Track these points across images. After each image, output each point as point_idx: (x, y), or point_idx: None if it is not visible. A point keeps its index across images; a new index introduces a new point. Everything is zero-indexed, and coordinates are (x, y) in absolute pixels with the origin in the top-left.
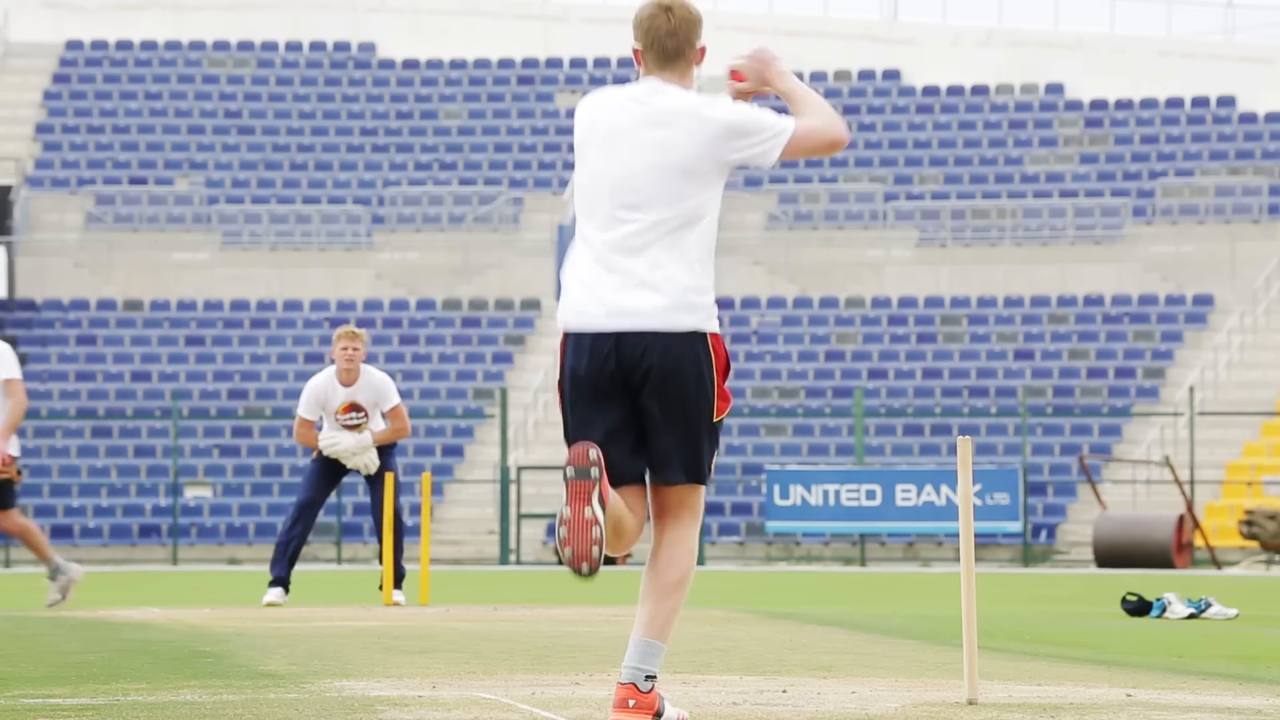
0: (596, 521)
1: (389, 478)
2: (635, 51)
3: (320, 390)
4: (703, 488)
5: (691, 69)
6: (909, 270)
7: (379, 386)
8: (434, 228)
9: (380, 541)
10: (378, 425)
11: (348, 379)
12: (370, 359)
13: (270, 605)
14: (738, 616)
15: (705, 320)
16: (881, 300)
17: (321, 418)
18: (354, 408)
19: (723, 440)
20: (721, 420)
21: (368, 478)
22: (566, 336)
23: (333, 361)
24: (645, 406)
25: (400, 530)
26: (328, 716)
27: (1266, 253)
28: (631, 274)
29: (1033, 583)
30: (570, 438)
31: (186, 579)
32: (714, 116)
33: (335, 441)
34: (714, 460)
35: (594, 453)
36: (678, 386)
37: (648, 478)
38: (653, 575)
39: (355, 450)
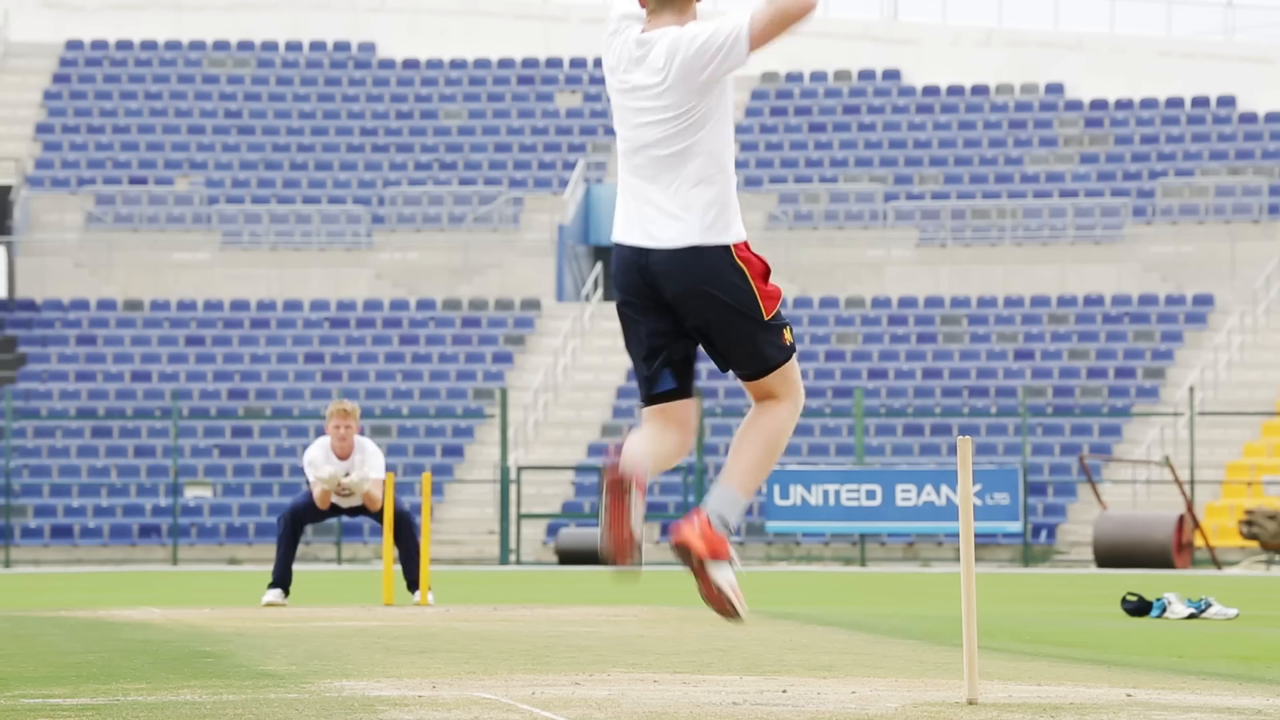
0: (632, 536)
1: (389, 477)
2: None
3: (319, 461)
4: (784, 367)
5: (691, 6)
6: (909, 270)
7: (370, 459)
8: (434, 228)
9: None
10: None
11: (342, 452)
12: (370, 359)
13: (269, 605)
14: None
15: (722, 233)
16: (881, 300)
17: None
18: (346, 488)
19: (723, 440)
20: (777, 314)
21: (395, 530)
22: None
23: (324, 433)
24: (688, 323)
25: (414, 530)
26: (328, 716)
27: (1266, 253)
28: (650, 199)
29: (1033, 583)
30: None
31: (186, 579)
32: (676, 56)
33: (322, 477)
34: (787, 337)
35: (630, 473)
36: (702, 300)
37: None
38: (745, 425)
39: (344, 489)
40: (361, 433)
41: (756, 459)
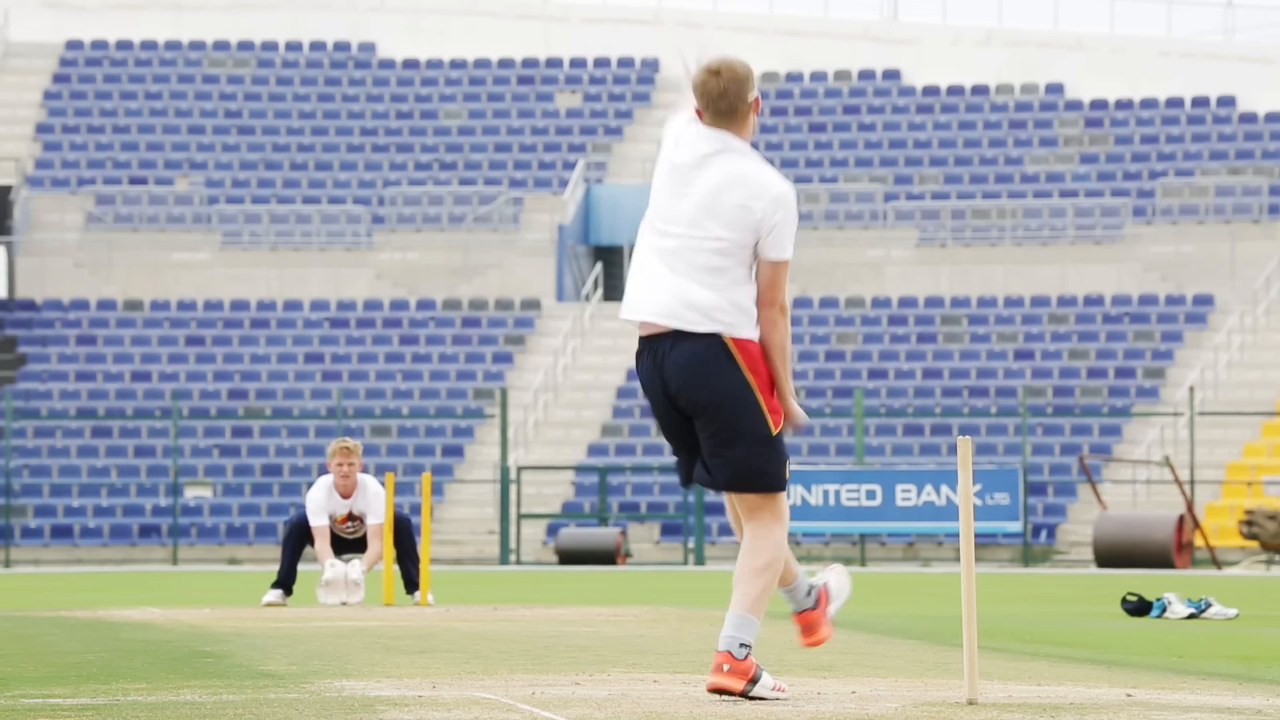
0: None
1: (389, 477)
2: (697, 111)
3: (322, 501)
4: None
5: (748, 119)
6: (909, 270)
7: (371, 501)
8: (434, 228)
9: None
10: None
11: (345, 491)
12: (370, 359)
13: (269, 605)
14: None
15: (727, 327)
16: (881, 300)
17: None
18: (351, 518)
19: None
20: (775, 434)
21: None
22: None
23: (327, 472)
24: None
25: (413, 533)
26: (328, 716)
27: (1266, 253)
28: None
29: (1033, 583)
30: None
31: (186, 579)
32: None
33: (326, 580)
34: (782, 470)
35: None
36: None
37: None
38: (740, 561)
39: (347, 586)
40: (365, 470)
41: (765, 587)
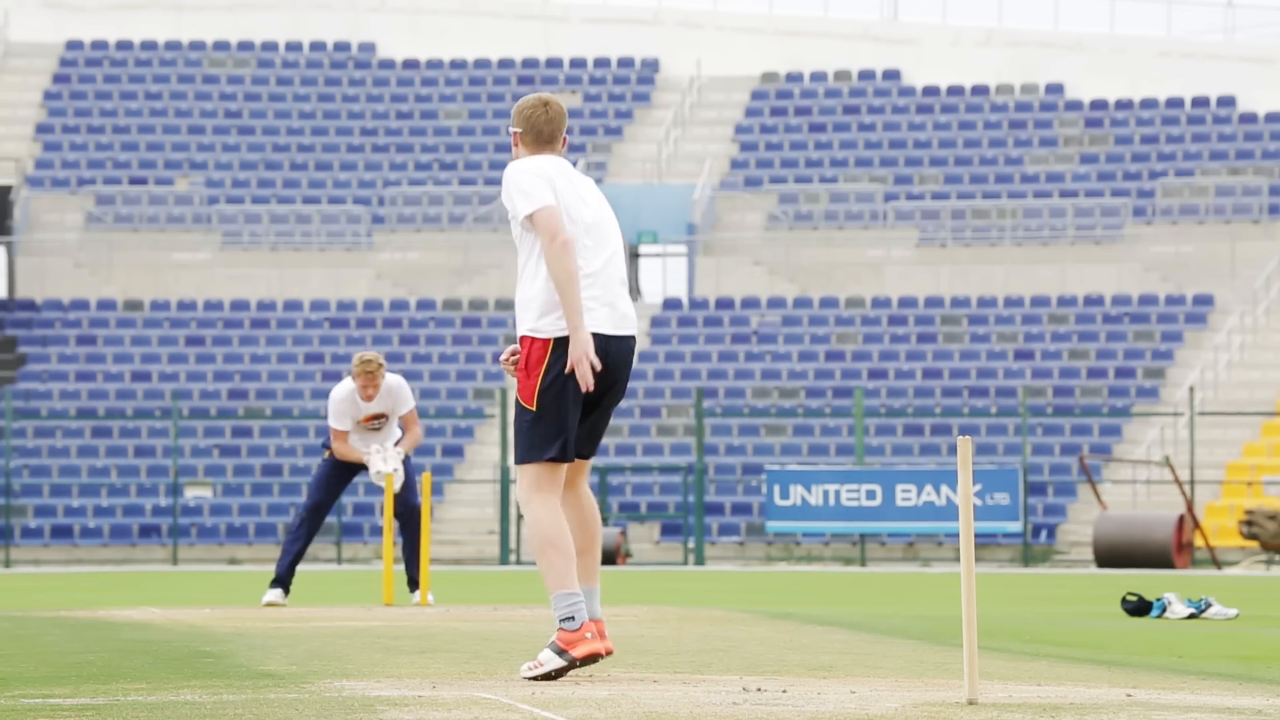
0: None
1: (389, 478)
2: (514, 134)
3: (344, 403)
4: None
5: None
6: (909, 270)
7: (396, 393)
8: (434, 228)
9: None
10: (395, 432)
11: (369, 399)
12: None
13: (269, 605)
14: (738, 616)
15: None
16: (881, 300)
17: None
18: (376, 416)
19: (723, 440)
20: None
21: (401, 522)
22: None
23: (350, 374)
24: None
25: (418, 524)
26: (328, 716)
27: (1266, 253)
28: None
29: (1033, 583)
30: None
31: (186, 579)
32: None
33: (379, 470)
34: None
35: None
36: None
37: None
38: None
39: (391, 469)
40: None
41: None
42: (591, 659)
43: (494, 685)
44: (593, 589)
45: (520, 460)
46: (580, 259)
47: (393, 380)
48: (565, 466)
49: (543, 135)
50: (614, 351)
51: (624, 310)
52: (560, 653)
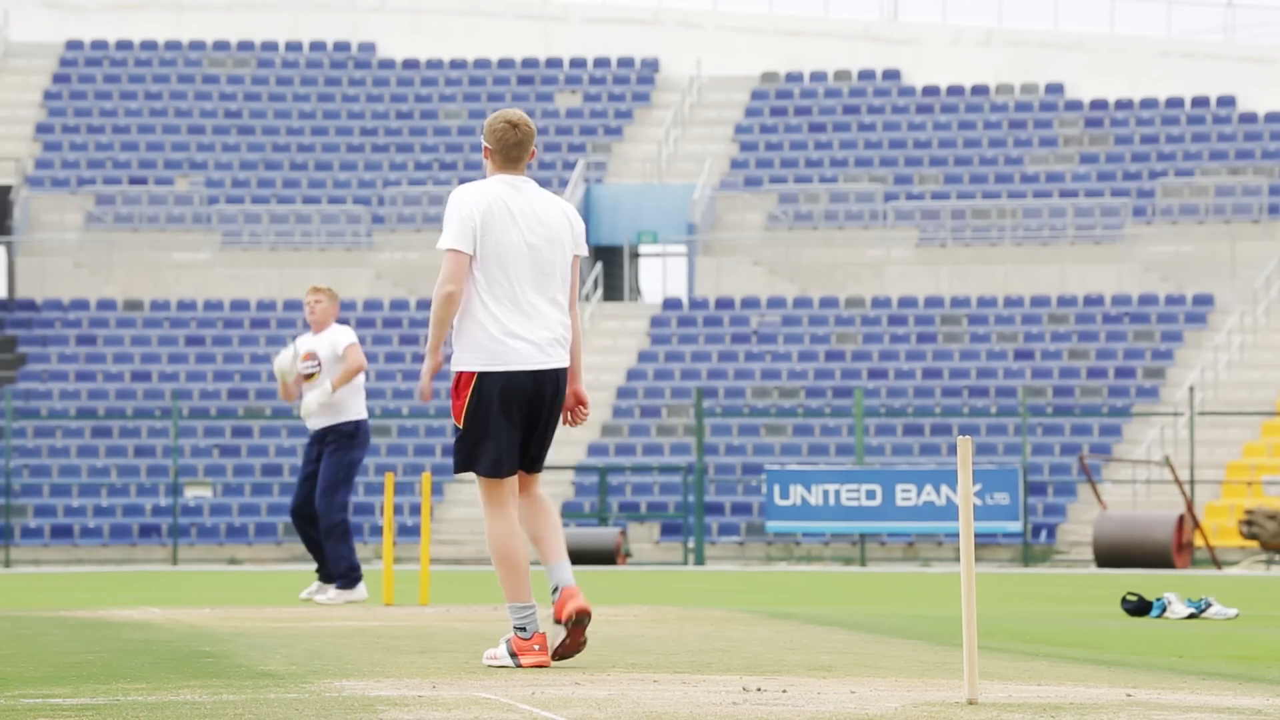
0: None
1: (389, 477)
2: (485, 147)
3: (300, 339)
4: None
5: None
6: (909, 270)
7: (336, 336)
8: (434, 228)
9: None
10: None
11: (315, 329)
12: (370, 359)
13: (348, 603)
14: (738, 616)
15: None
16: (881, 300)
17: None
18: (311, 356)
19: (723, 440)
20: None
21: (313, 467)
22: None
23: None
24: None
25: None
26: (328, 716)
27: (1266, 253)
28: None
29: (1033, 583)
30: None
31: (186, 579)
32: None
33: (302, 404)
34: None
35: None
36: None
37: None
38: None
39: (312, 409)
40: (345, 322)
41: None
42: (539, 668)
43: (494, 685)
44: (560, 562)
45: (454, 470)
46: (514, 287)
47: (341, 330)
48: (509, 480)
49: (510, 155)
50: (542, 383)
51: (553, 337)
52: (512, 655)
